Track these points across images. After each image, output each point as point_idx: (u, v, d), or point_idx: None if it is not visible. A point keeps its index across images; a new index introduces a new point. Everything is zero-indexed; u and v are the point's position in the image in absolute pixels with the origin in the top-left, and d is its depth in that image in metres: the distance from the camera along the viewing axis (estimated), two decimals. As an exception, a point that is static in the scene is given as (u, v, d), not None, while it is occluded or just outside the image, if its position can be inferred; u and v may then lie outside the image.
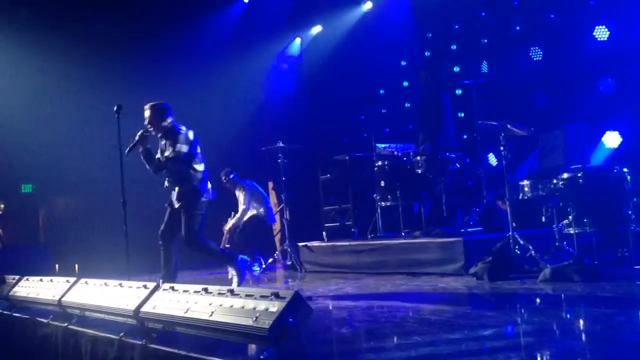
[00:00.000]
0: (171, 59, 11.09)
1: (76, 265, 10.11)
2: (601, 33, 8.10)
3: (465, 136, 9.06)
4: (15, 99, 10.29)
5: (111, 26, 10.67)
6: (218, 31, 11.73)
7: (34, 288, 5.23)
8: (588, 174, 5.70)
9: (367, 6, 11.33)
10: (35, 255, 9.58)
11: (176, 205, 5.90)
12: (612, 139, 8.03)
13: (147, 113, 5.95)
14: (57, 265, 9.99)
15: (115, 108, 6.02)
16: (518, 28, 9.20)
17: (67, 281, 4.80)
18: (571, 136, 6.82)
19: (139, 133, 5.91)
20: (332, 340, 3.59)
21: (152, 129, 5.93)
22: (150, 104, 6.00)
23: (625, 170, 5.70)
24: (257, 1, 11.78)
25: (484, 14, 9.70)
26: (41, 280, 5.28)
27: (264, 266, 8.50)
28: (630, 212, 5.57)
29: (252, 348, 3.00)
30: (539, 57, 8.84)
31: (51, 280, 5.11)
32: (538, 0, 8.84)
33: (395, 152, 7.88)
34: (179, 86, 10.53)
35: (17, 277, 5.74)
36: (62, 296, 4.62)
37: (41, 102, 10.44)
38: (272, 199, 10.47)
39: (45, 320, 4.73)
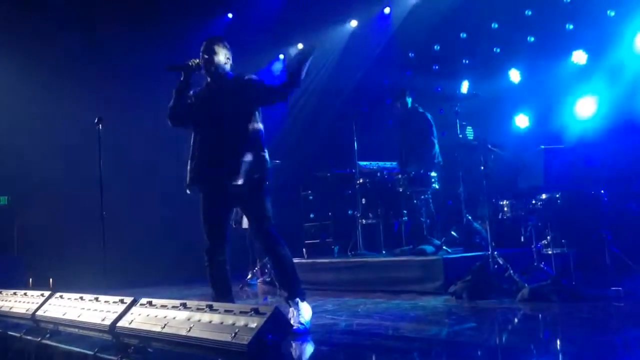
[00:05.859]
0: (151, 75, 11.00)
1: (50, 280, 9.92)
2: (579, 57, 8.25)
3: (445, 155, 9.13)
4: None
5: (92, 38, 10.62)
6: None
7: (7, 301, 5.13)
8: (566, 195, 5.76)
9: (353, 24, 11.46)
10: (9, 267, 9.39)
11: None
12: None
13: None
14: (30, 279, 9.80)
15: (96, 120, 5.97)
16: (498, 50, 9.35)
17: (42, 295, 4.71)
18: (550, 157, 6.90)
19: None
20: (311, 357, 3.55)
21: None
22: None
23: (602, 191, 5.77)
24: (241, 18, 11.83)
25: (464, 35, 9.84)
26: (15, 293, 5.18)
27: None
28: (607, 234, 5.63)
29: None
30: (519, 78, 8.98)
31: (25, 294, 5.01)
32: (518, 23, 9.00)
33: (379, 173, 7.83)
34: (159, 102, 10.44)
35: (-11, 290, 5.62)
36: (36, 310, 4.53)
37: (18, 113, 10.31)
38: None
39: (17, 335, 4.62)
